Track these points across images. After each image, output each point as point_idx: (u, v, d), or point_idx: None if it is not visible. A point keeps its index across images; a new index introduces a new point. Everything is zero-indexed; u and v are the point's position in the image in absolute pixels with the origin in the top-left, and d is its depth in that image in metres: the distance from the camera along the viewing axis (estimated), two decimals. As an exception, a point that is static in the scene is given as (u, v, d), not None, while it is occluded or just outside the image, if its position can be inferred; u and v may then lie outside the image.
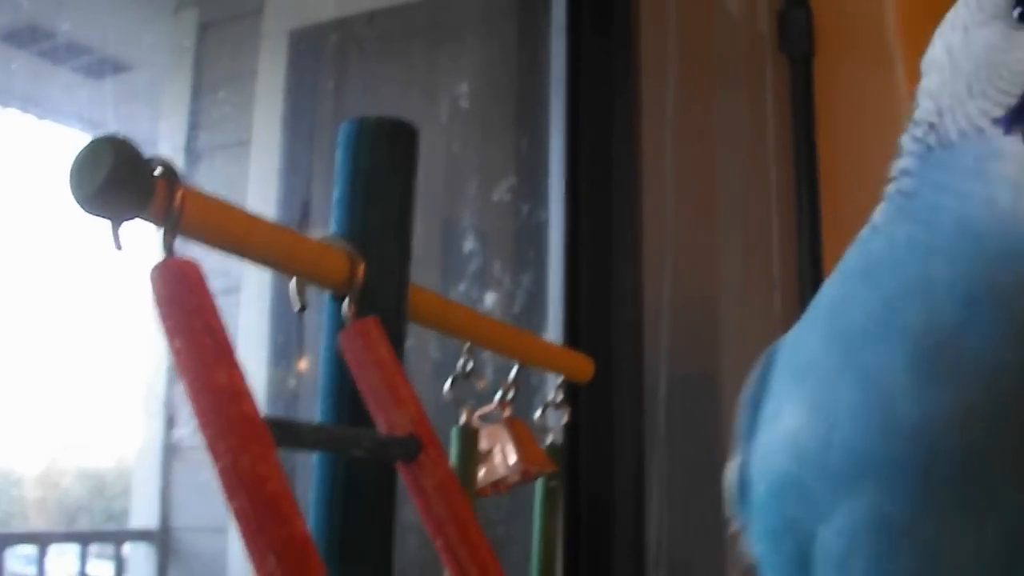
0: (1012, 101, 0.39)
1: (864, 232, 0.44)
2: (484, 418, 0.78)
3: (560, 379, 0.88)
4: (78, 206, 0.40)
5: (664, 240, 1.29)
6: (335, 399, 0.56)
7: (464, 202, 1.38)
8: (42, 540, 2.02)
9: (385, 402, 0.53)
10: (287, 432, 0.44)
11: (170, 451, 1.76)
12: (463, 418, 0.72)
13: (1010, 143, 0.38)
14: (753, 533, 0.45)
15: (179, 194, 0.43)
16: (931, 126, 0.42)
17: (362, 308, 0.56)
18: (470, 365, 0.72)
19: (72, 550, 1.93)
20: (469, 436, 0.72)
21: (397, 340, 0.58)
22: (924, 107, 0.43)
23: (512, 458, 0.77)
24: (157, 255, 0.42)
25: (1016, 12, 0.40)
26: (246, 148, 1.79)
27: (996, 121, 0.39)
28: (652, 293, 1.26)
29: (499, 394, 0.79)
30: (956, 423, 0.37)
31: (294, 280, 0.56)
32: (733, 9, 1.49)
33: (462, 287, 1.32)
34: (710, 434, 1.28)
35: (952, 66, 0.42)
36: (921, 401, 0.37)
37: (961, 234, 0.39)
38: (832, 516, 0.39)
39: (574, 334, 1.20)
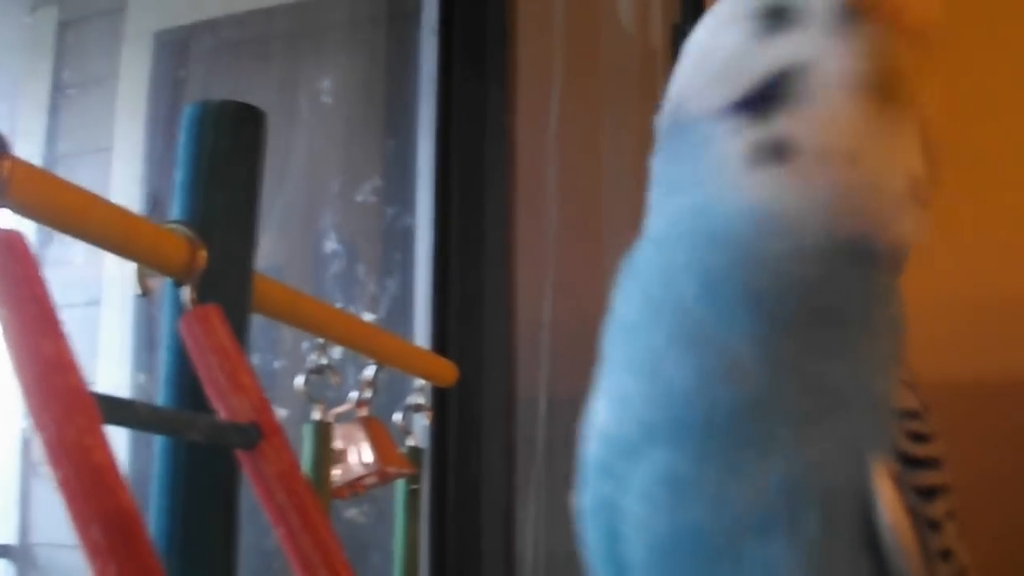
0: (737, 95, 0.43)
1: (641, 239, 0.49)
2: (341, 418, 0.79)
3: (421, 383, 0.90)
4: None
5: (545, 254, 1.31)
6: (175, 385, 0.57)
7: (326, 202, 1.38)
8: None
9: (225, 389, 0.55)
10: (117, 409, 0.45)
11: (28, 466, 1.73)
12: (316, 414, 0.73)
13: (726, 127, 0.43)
14: (580, 522, 0.48)
15: (6, 164, 0.44)
16: (676, 117, 0.47)
17: (203, 295, 0.57)
18: (323, 361, 0.74)
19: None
20: (322, 433, 0.73)
21: (241, 328, 0.59)
22: (672, 93, 0.47)
23: (368, 458, 0.78)
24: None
25: (761, 29, 0.44)
26: (108, 154, 1.77)
27: (721, 109, 0.43)
28: (530, 306, 1.29)
29: (355, 393, 0.81)
30: (722, 380, 0.41)
31: (136, 265, 0.57)
32: (626, 21, 1.53)
33: (324, 289, 1.33)
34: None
35: (700, 55, 0.46)
36: (688, 367, 0.42)
37: (692, 215, 0.44)
38: (629, 483, 0.44)
39: (442, 341, 1.22)
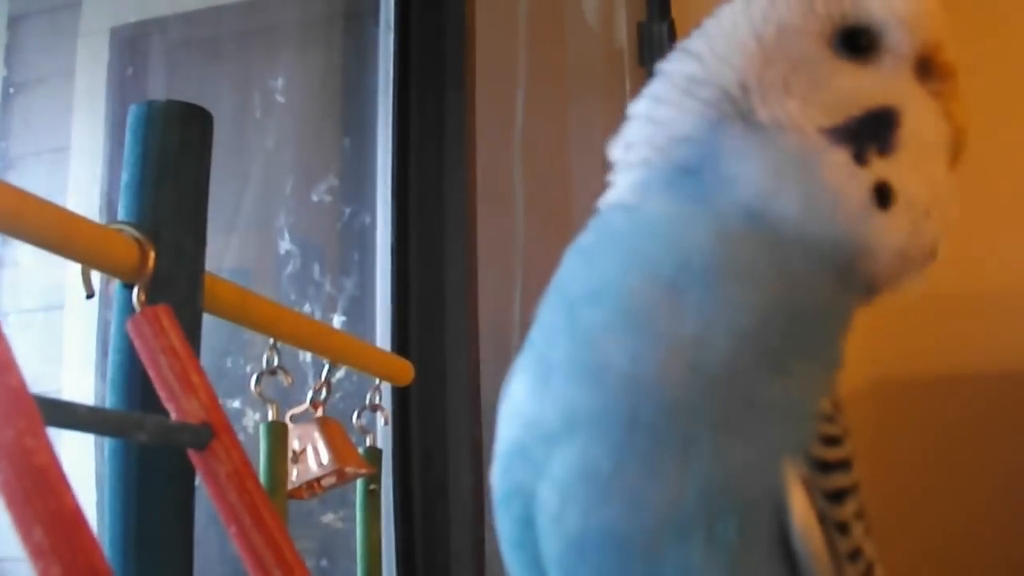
0: (838, 120, 0.43)
1: (607, 209, 0.48)
2: (296, 418, 0.80)
3: (378, 382, 0.90)
4: None
5: (512, 250, 1.32)
6: (126, 387, 0.58)
7: (282, 202, 1.38)
8: None
9: (175, 390, 0.55)
10: (58, 411, 0.46)
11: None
12: (270, 414, 0.74)
13: (835, 154, 0.43)
14: (493, 505, 0.48)
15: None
16: (730, 98, 0.45)
17: (154, 295, 0.58)
18: (276, 361, 0.75)
19: None
20: (278, 433, 0.74)
21: (192, 328, 0.60)
22: (719, 72, 0.46)
23: (325, 457, 0.79)
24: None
25: (836, 44, 0.44)
26: (65, 154, 1.76)
27: (822, 130, 0.43)
28: (498, 306, 1.29)
29: (310, 394, 0.81)
30: (659, 375, 0.41)
31: (81, 267, 0.57)
32: (592, 20, 1.53)
33: (279, 291, 1.33)
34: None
35: (763, 54, 0.45)
36: (628, 354, 0.41)
37: (747, 216, 0.43)
38: (546, 472, 0.43)
39: (403, 341, 1.23)
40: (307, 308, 1.32)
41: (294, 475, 0.79)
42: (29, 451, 0.41)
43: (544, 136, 1.40)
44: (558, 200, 1.41)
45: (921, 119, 0.43)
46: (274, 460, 0.73)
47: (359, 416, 0.89)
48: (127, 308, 0.58)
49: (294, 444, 0.79)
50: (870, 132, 0.43)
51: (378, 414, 0.91)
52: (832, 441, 0.43)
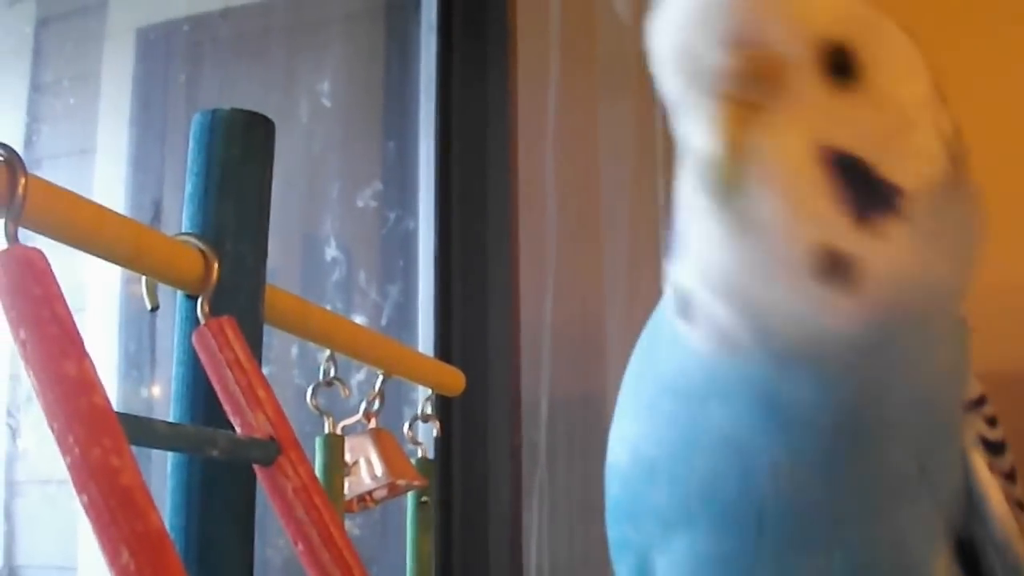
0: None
1: None
2: (348, 429, 0.80)
3: (430, 392, 0.90)
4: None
5: (544, 252, 1.32)
6: (190, 400, 0.58)
7: (326, 207, 1.39)
8: None
9: (242, 404, 0.56)
10: (140, 429, 0.46)
11: (12, 488, 1.73)
12: (327, 427, 0.74)
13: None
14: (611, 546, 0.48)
15: (23, 181, 0.45)
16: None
17: (217, 307, 0.58)
18: (332, 372, 0.75)
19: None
20: (334, 446, 0.74)
21: (254, 340, 0.60)
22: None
23: (379, 470, 0.79)
24: None
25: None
26: (90, 154, 1.77)
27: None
28: (531, 308, 1.29)
29: (363, 404, 0.81)
30: (787, 478, 0.39)
31: (145, 279, 0.58)
32: (624, 15, 1.53)
33: (324, 297, 1.33)
34: (596, 454, 1.31)
35: None
36: (750, 457, 0.40)
37: None
38: (664, 546, 0.42)
39: (446, 348, 1.23)
40: (353, 314, 1.32)
41: (346, 488, 0.79)
42: (115, 470, 0.41)
43: (575, 134, 1.40)
44: (589, 200, 1.41)
45: None
46: (330, 473, 0.73)
47: (411, 426, 0.89)
48: (190, 320, 0.58)
49: (346, 456, 0.79)
50: None
51: (423, 424, 0.91)
52: (993, 422, 0.42)
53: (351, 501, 0.80)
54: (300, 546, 0.54)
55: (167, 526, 0.56)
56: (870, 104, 0.39)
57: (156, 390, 1.55)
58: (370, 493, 0.81)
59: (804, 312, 0.37)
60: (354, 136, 1.44)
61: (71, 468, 0.41)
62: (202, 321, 0.57)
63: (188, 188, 0.61)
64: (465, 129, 1.30)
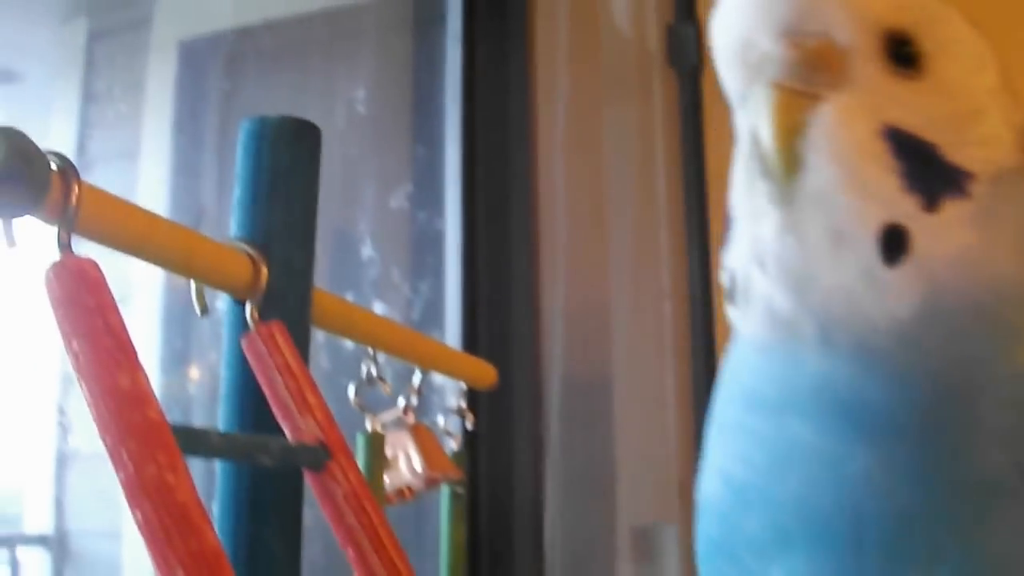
0: None
1: None
2: (386, 425, 0.76)
3: (461, 386, 0.86)
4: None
5: (556, 247, 1.28)
6: (238, 405, 0.53)
7: (361, 209, 1.36)
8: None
9: (292, 409, 0.51)
10: (194, 439, 0.41)
11: (64, 456, 1.71)
12: (369, 425, 0.69)
13: None
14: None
15: (76, 189, 0.40)
16: None
17: (266, 312, 0.53)
18: (374, 370, 0.70)
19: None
20: (376, 443, 0.69)
21: (302, 344, 0.55)
22: None
23: (418, 464, 0.74)
24: (52, 254, 0.39)
25: None
26: (135, 159, 1.75)
27: None
28: (545, 300, 1.26)
29: (402, 400, 0.77)
30: (865, 493, 0.35)
31: (194, 283, 0.53)
32: (623, 26, 1.50)
33: (359, 295, 1.30)
34: (603, 438, 1.28)
35: None
36: (840, 466, 0.35)
37: None
38: None
39: (473, 340, 1.19)
40: (387, 309, 1.28)
41: (386, 482, 0.75)
42: (170, 488, 0.36)
43: (583, 138, 1.37)
44: (595, 199, 1.37)
45: None
46: (372, 471, 0.68)
47: (445, 420, 0.84)
48: (238, 324, 0.54)
49: (386, 451, 0.75)
50: None
51: (452, 418, 0.87)
52: None
53: (390, 494, 0.76)
54: (350, 551, 0.50)
55: (217, 528, 0.52)
56: (935, 91, 0.36)
57: (196, 391, 1.51)
58: (408, 486, 0.76)
59: (866, 290, 0.34)
60: (387, 141, 1.40)
61: (124, 485, 0.36)
62: (251, 326, 0.53)
63: (236, 193, 0.56)
64: (488, 134, 1.27)
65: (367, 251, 1.32)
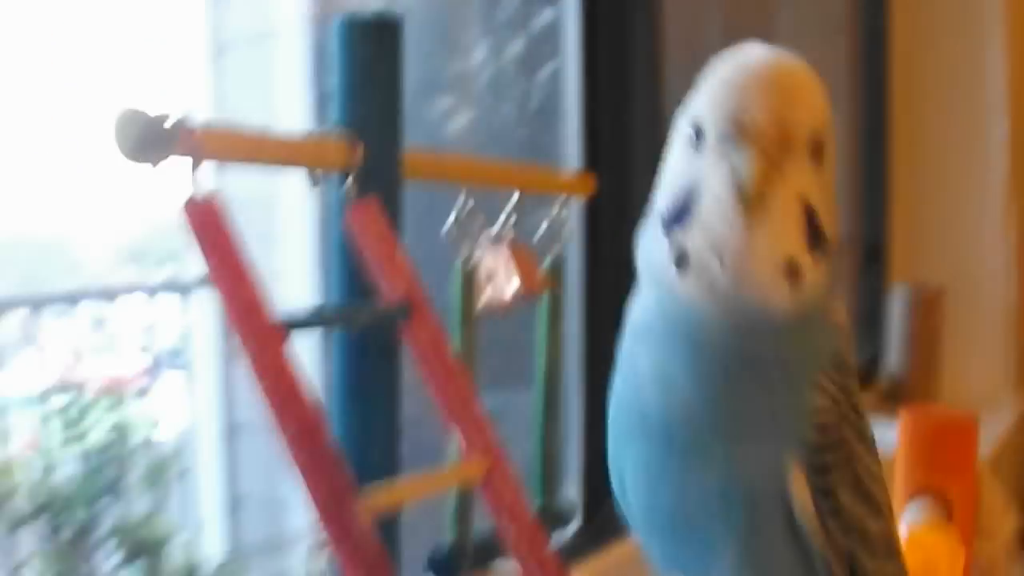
0: (669, 204, 0.55)
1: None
2: (486, 243, 0.88)
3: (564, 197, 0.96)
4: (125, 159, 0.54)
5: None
6: (341, 270, 0.68)
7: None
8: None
9: (384, 270, 0.66)
10: (302, 320, 0.59)
11: (234, 429, 2.05)
12: (463, 254, 0.83)
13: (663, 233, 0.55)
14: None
15: (198, 136, 0.55)
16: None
17: (362, 187, 0.67)
18: (470, 205, 0.83)
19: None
20: (469, 271, 0.83)
21: (395, 213, 0.69)
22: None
23: (514, 282, 0.87)
24: (188, 191, 0.55)
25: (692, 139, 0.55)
26: (271, 39, 1.88)
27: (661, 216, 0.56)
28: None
29: (501, 219, 0.89)
30: (679, 407, 0.56)
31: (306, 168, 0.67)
32: None
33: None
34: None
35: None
36: (658, 395, 0.56)
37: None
38: (626, 457, 0.59)
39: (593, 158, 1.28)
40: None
41: (488, 292, 0.88)
42: (278, 370, 0.53)
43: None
44: None
45: (711, 188, 0.53)
46: (466, 296, 0.83)
47: (547, 229, 0.95)
48: (341, 201, 0.67)
49: (489, 264, 0.87)
50: (683, 209, 0.54)
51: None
52: (823, 429, 0.56)
53: (492, 307, 0.88)
54: (431, 385, 0.65)
55: (333, 371, 0.69)
56: (824, 181, 0.55)
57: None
58: (504, 302, 0.89)
59: (769, 291, 0.53)
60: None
61: (251, 365, 0.54)
62: (351, 200, 0.66)
63: (334, 83, 0.68)
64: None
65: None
